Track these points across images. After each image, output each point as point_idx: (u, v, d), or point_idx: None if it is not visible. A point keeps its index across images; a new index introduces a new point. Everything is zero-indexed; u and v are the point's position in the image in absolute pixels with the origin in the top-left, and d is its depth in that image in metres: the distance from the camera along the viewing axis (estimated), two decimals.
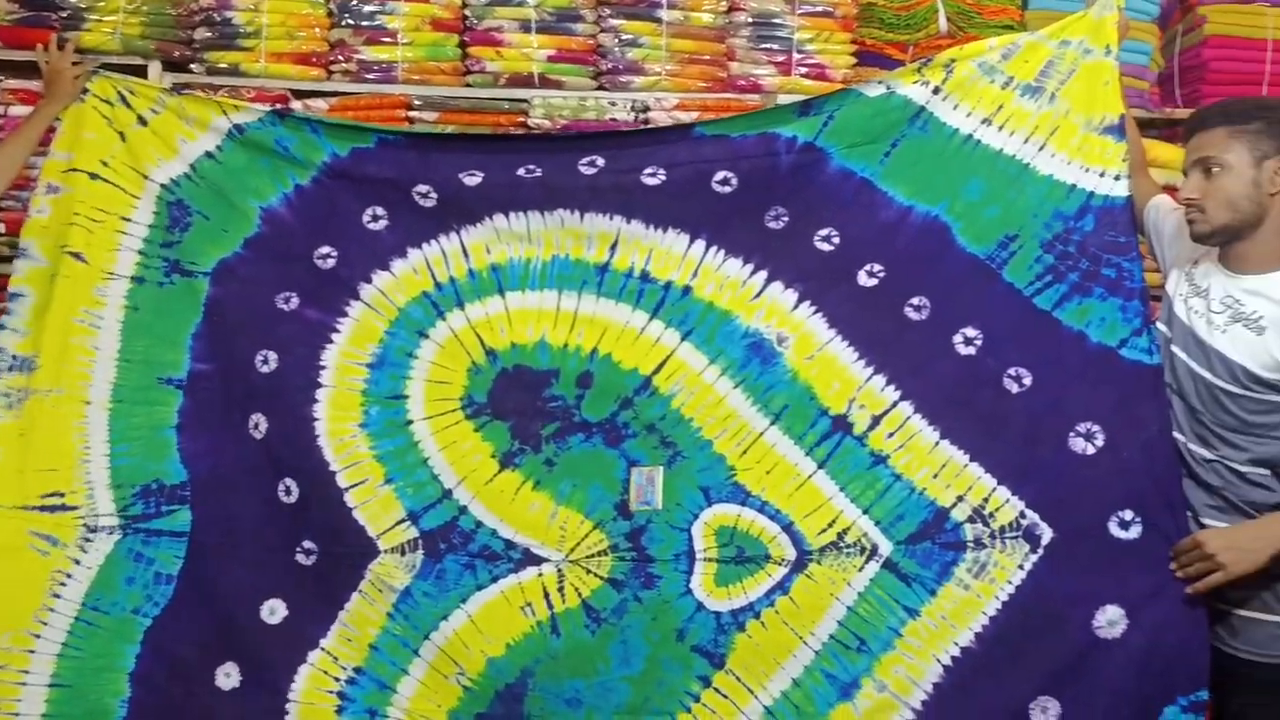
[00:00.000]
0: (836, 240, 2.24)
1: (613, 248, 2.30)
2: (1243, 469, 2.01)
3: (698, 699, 2.11)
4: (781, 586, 2.16)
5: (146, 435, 2.28)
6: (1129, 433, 2.06)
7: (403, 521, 2.23)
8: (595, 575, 2.21)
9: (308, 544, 2.24)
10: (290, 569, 2.24)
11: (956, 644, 2.08)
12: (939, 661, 2.08)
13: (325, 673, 2.21)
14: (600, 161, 2.29)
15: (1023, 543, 2.10)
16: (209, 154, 2.35)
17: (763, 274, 2.25)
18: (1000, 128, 2.20)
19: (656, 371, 2.25)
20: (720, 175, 2.27)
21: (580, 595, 2.21)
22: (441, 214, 2.31)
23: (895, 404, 2.18)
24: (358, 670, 2.21)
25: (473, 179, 2.29)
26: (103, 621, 2.21)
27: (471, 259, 2.32)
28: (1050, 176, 2.17)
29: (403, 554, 2.22)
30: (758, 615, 2.15)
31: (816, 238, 2.25)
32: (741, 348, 2.24)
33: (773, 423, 2.21)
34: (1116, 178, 2.13)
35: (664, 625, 2.17)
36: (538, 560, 2.22)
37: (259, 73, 3.11)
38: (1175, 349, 2.10)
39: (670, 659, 2.15)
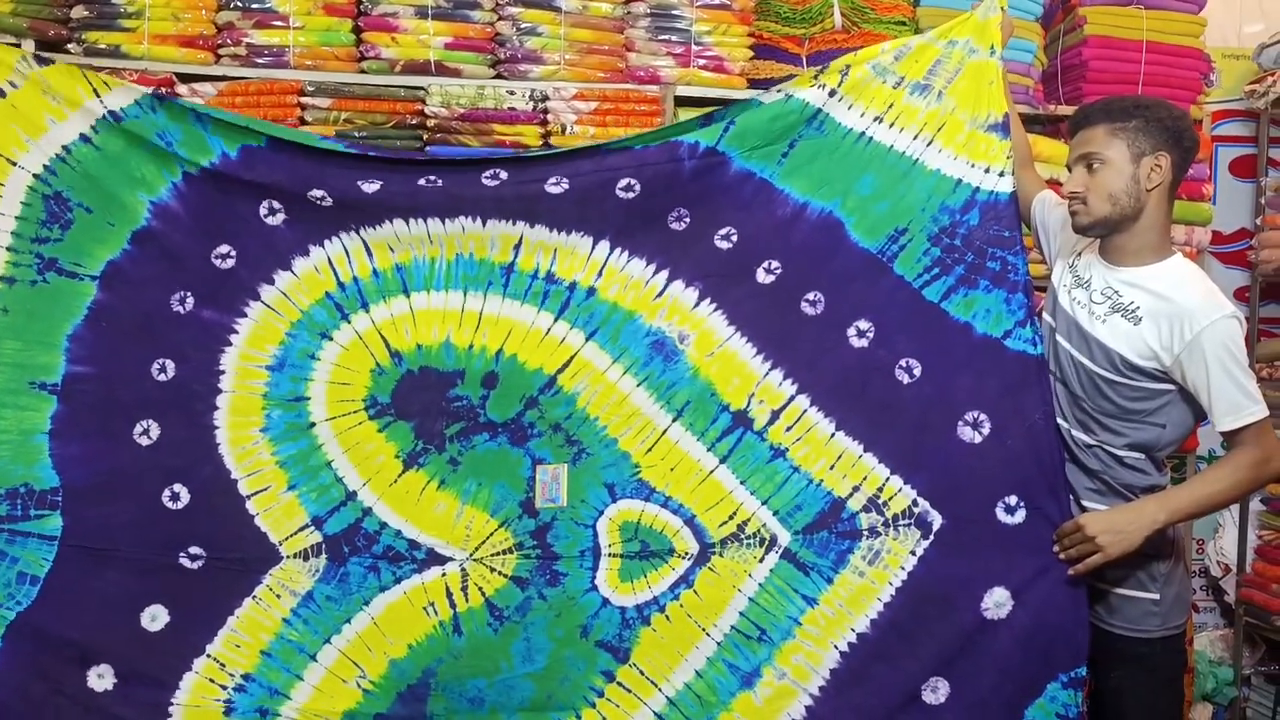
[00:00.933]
0: (735, 238, 2.27)
1: (516, 248, 2.29)
2: (1120, 453, 2.09)
3: (601, 694, 2.12)
4: (685, 580, 2.19)
5: (16, 440, 2.18)
6: (1014, 421, 2.13)
7: (306, 527, 2.19)
8: (499, 574, 2.21)
9: (194, 550, 2.18)
10: (174, 576, 2.17)
11: (853, 630, 2.13)
12: (836, 648, 2.13)
13: (211, 680, 2.16)
14: (503, 174, 2.27)
15: (915, 530, 2.15)
16: (84, 138, 2.23)
17: (665, 274, 2.27)
18: (891, 125, 2.25)
19: (561, 370, 2.25)
20: (624, 182, 2.28)
21: (484, 594, 2.20)
22: (339, 214, 2.26)
23: (793, 398, 2.22)
24: (246, 677, 2.17)
25: (371, 185, 2.24)
26: None
27: (375, 258, 2.28)
28: (938, 171, 2.22)
29: (306, 559, 2.18)
30: (662, 609, 2.18)
31: (717, 237, 2.28)
32: (644, 346, 2.25)
33: (675, 419, 2.24)
34: (1001, 174, 2.19)
35: (568, 622, 2.18)
36: (442, 560, 2.21)
37: (142, 55, 2.99)
38: (1059, 338, 2.17)
39: (574, 655, 2.16)
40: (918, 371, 2.18)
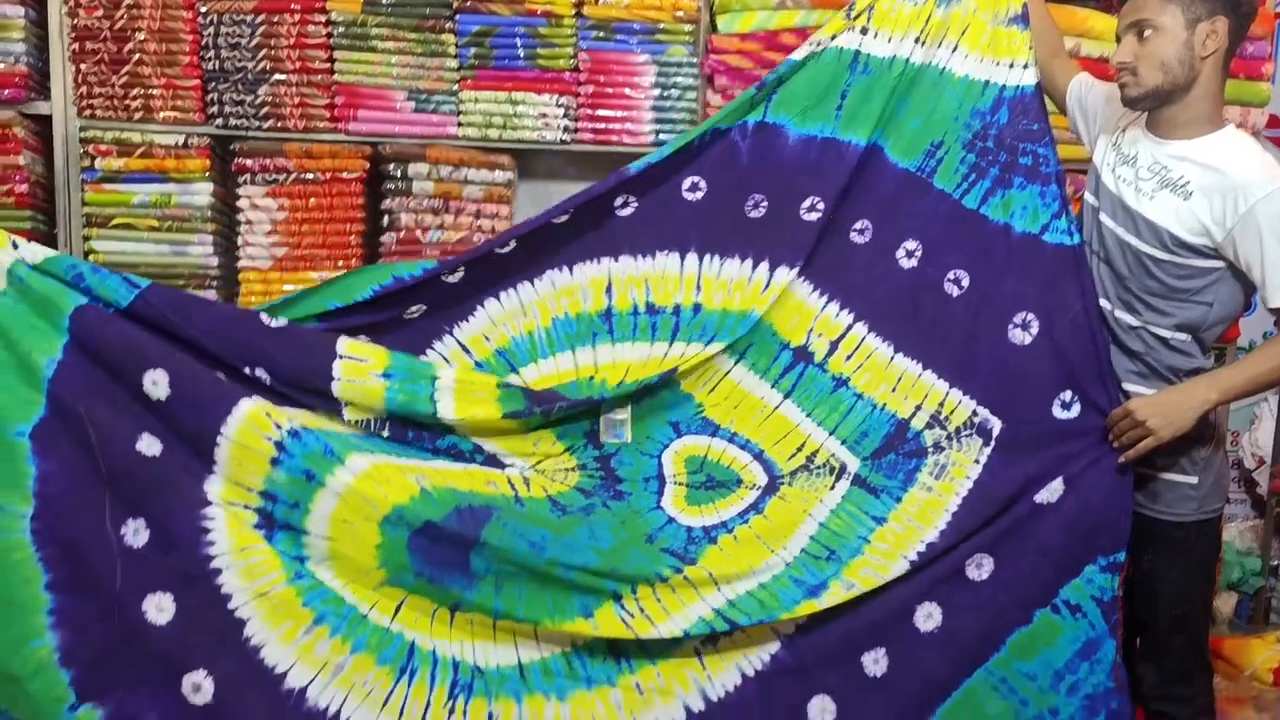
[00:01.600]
0: (821, 206, 2.23)
1: (608, 292, 2.27)
2: (1165, 334, 2.04)
3: (665, 580, 2.06)
4: (755, 507, 2.18)
5: None
6: (1059, 316, 2.11)
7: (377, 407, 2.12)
8: (562, 484, 2.19)
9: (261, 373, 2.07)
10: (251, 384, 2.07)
11: (923, 541, 2.10)
12: (906, 559, 2.09)
13: (268, 415, 2.01)
14: (565, 216, 2.23)
15: (977, 439, 2.15)
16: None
17: (765, 264, 2.24)
18: (924, 43, 2.23)
19: None
20: (688, 182, 2.27)
21: (546, 492, 2.17)
22: (430, 320, 2.20)
23: (850, 327, 2.23)
24: (304, 428, 2.02)
25: (453, 276, 2.19)
26: None
27: (474, 354, 2.24)
28: (966, 77, 2.20)
29: (366, 428, 2.13)
30: (730, 531, 2.15)
31: (802, 210, 2.24)
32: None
33: (738, 362, 2.25)
34: (1025, 66, 2.16)
35: (633, 529, 2.14)
36: (503, 464, 2.18)
37: None
38: (1103, 217, 2.10)
39: (639, 551, 2.11)
40: (966, 282, 2.17)
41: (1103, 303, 2.10)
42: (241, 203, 2.91)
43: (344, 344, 2.06)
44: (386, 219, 2.96)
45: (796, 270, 2.21)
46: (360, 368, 2.05)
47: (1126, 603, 2.17)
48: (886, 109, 2.23)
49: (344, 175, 2.93)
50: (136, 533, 1.99)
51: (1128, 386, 2.09)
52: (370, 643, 2.03)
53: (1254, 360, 1.97)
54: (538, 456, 2.21)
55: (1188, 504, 2.08)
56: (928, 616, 2.09)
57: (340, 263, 2.94)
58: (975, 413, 2.15)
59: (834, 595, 2.05)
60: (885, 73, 2.24)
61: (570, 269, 2.26)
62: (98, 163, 2.84)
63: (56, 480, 1.97)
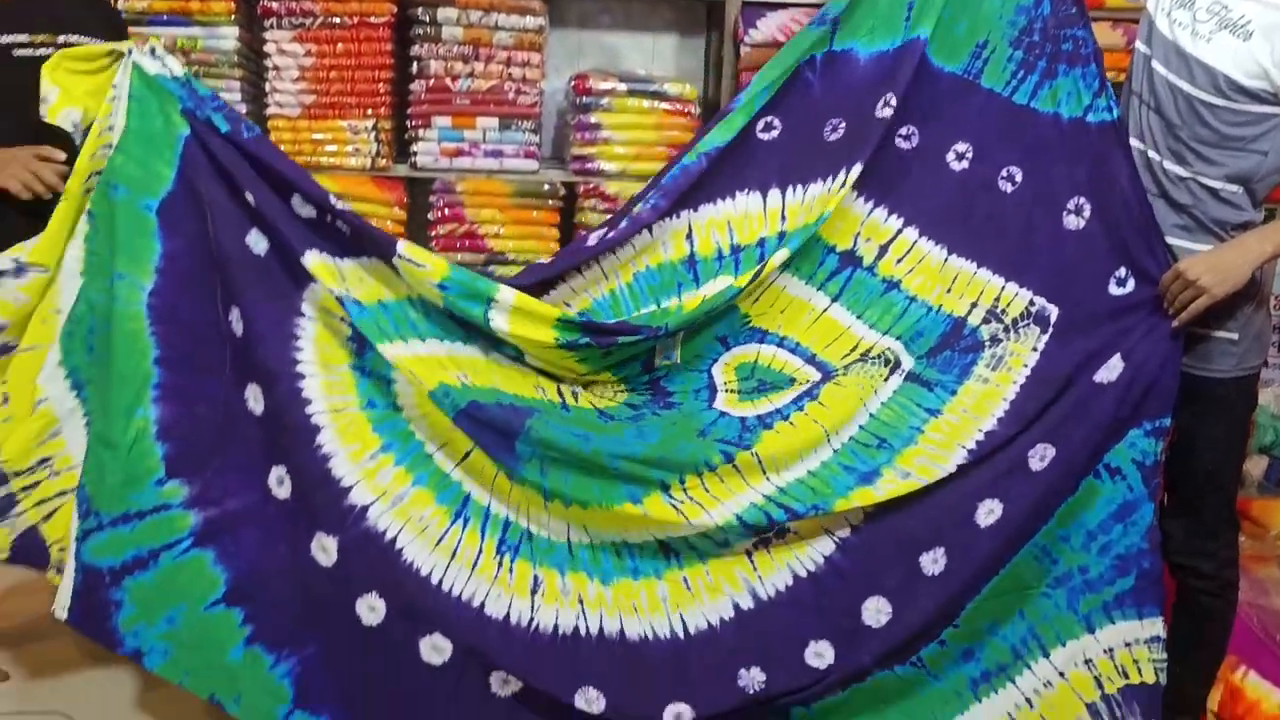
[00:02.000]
0: (894, 100, 2.16)
1: (688, 238, 2.23)
2: (1215, 185, 1.98)
3: (713, 469, 2.04)
4: (810, 394, 2.17)
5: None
6: (1109, 193, 2.09)
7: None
8: (610, 400, 2.20)
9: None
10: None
11: (980, 430, 2.09)
12: (964, 448, 2.08)
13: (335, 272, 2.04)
14: (658, 199, 2.21)
15: (1034, 327, 2.13)
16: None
17: (843, 171, 2.17)
18: None
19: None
20: (761, 123, 2.24)
21: (594, 405, 2.17)
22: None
23: (900, 231, 2.21)
24: (358, 301, 2.03)
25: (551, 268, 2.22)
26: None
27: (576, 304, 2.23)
28: None
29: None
30: (786, 417, 2.14)
31: (898, 137, 2.20)
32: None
33: (783, 270, 2.21)
34: None
35: (684, 427, 2.13)
36: (554, 378, 2.18)
37: None
38: (1155, 64, 2.02)
39: (690, 443, 2.09)
40: (1019, 177, 2.16)
41: (1151, 154, 2.04)
42: (268, 47, 2.86)
43: (403, 245, 2.03)
44: (415, 66, 2.90)
45: (862, 163, 2.15)
46: (418, 273, 2.01)
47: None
48: (945, 10, 2.17)
49: (371, 20, 2.86)
50: (235, 322, 2.04)
51: (1172, 241, 2.04)
52: (431, 481, 2.06)
53: None
54: (587, 379, 2.20)
55: (1227, 360, 2.06)
56: (989, 513, 2.06)
57: (369, 110, 2.90)
58: (1032, 302, 2.14)
59: (890, 484, 2.04)
60: None
61: (650, 230, 2.22)
62: (121, 3, 2.78)
63: (178, 259, 2.05)
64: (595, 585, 2.08)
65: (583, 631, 2.06)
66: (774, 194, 2.25)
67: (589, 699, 2.03)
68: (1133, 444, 2.10)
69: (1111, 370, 2.07)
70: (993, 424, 2.09)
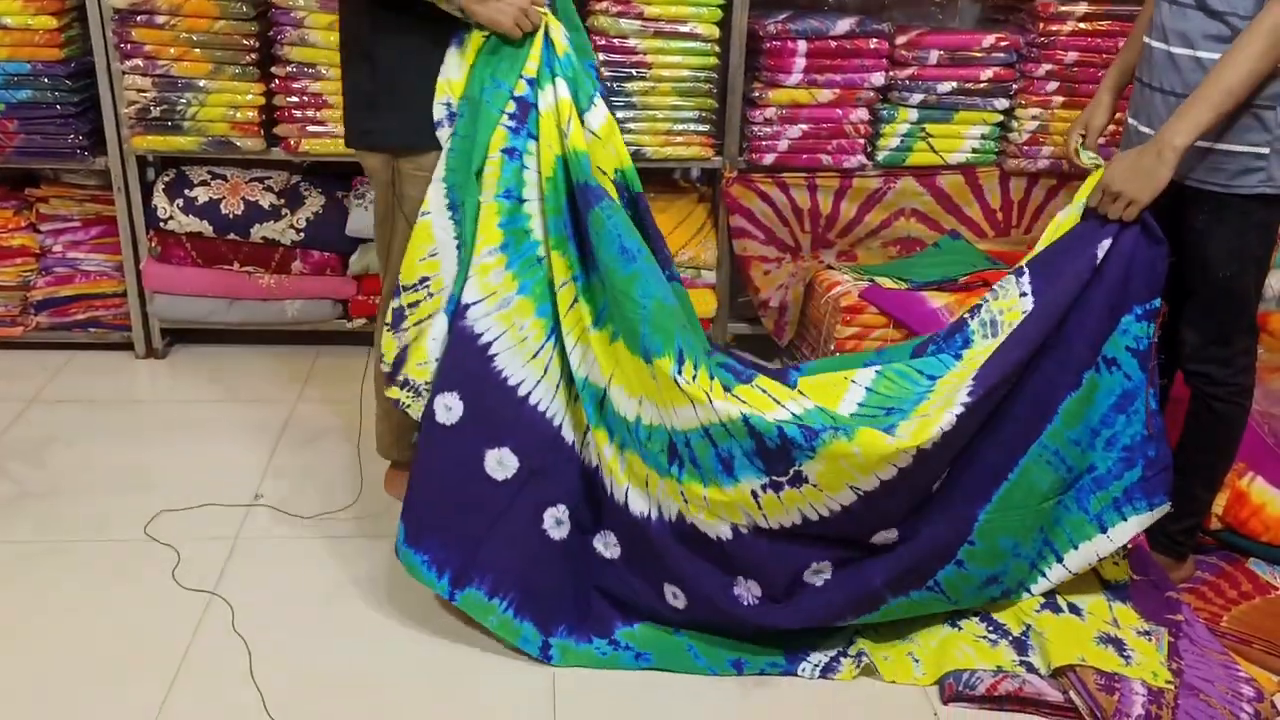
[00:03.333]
0: None
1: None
2: None
3: (724, 387, 1.99)
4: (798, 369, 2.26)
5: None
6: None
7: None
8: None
9: None
10: None
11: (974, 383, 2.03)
12: (971, 378, 2.03)
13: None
14: None
15: (1011, 277, 2.16)
16: None
17: None
18: None
19: None
20: None
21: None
22: None
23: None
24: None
25: None
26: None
27: None
28: None
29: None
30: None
31: None
32: None
33: None
34: None
35: (701, 338, 2.14)
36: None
37: None
38: None
39: (703, 345, 2.09)
40: None
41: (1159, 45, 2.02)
42: None
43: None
44: None
45: None
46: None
47: (1170, 276, 2.13)
48: None
49: None
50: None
51: (1202, 55, 1.98)
52: (535, 291, 2.06)
53: (1207, 90, 1.91)
54: None
55: (1253, 175, 2.00)
56: (990, 413, 2.06)
57: None
58: (1020, 270, 2.15)
59: (909, 428, 1.96)
60: None
61: None
62: None
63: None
64: (612, 448, 2.08)
65: (605, 487, 2.10)
66: None
67: (607, 543, 2.14)
68: (1125, 330, 2.10)
69: (1097, 260, 2.05)
70: (995, 377, 2.03)
